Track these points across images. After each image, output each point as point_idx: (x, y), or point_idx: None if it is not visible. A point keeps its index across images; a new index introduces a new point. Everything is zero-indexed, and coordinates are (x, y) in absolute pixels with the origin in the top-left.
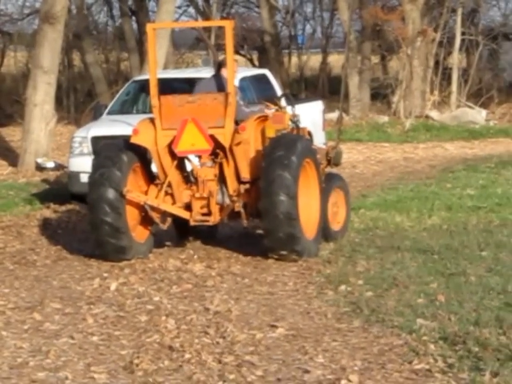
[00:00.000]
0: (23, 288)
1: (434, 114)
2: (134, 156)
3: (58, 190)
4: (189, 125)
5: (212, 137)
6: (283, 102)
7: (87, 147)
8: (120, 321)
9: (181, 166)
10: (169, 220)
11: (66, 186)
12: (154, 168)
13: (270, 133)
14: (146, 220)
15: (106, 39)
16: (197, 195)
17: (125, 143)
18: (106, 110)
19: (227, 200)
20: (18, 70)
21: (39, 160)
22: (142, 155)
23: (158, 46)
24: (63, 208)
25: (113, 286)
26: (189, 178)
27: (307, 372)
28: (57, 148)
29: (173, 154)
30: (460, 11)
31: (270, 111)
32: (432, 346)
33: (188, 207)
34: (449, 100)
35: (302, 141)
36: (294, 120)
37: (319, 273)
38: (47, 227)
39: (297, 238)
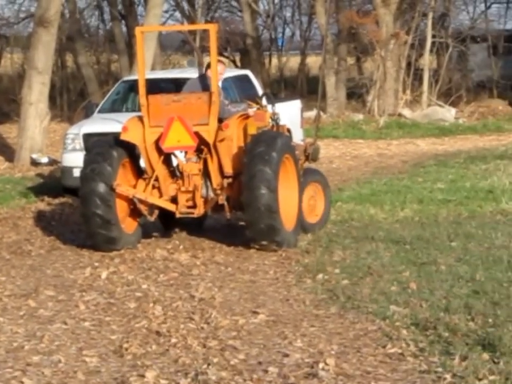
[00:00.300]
0: (19, 277)
1: (406, 112)
2: (123, 152)
3: (52, 184)
4: (175, 122)
5: (197, 134)
6: (264, 101)
7: (79, 143)
8: (111, 308)
9: (167, 161)
10: (156, 212)
11: (60, 180)
12: (142, 163)
13: (252, 130)
14: (134, 212)
15: (98, 41)
16: (183, 189)
17: (114, 140)
18: (98, 109)
19: (211, 194)
20: (15, 71)
21: (34, 156)
22: (131, 151)
23: (146, 48)
24: (57, 201)
25: (104, 275)
26: (174, 173)
27: (286, 355)
28: (51, 144)
29: (159, 150)
30: (430, 15)
31: (252, 109)
32: (404, 331)
33: (174, 200)
34: (421, 99)
35: (281, 138)
36: (274, 118)
37: (298, 262)
38: (41, 219)
39: (277, 230)
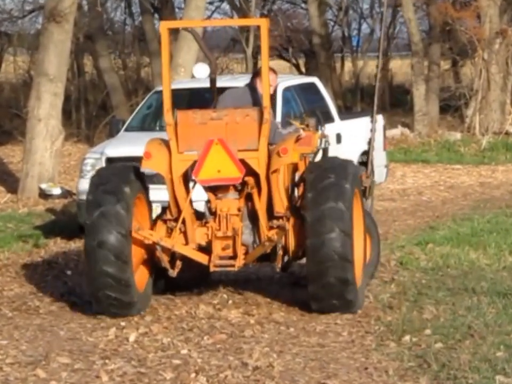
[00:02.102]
0: (24, 340)
1: None
2: (136, 186)
3: (66, 221)
4: (215, 147)
5: (243, 162)
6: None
7: None
8: (141, 379)
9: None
10: (179, 264)
11: (76, 217)
12: (155, 195)
13: (294, 158)
14: (148, 265)
15: (124, 40)
16: (219, 234)
17: (122, 169)
18: (124, 126)
19: (254, 240)
20: (18, 78)
21: (43, 186)
22: (142, 182)
23: (186, 49)
24: (72, 243)
25: (132, 337)
26: (202, 213)
27: None
28: (64, 172)
29: (188, 184)
30: None
31: (303, 131)
32: None
33: (203, 248)
34: None
35: (351, 166)
36: (324, 141)
37: (379, 320)
38: (52, 266)
39: (351, 285)
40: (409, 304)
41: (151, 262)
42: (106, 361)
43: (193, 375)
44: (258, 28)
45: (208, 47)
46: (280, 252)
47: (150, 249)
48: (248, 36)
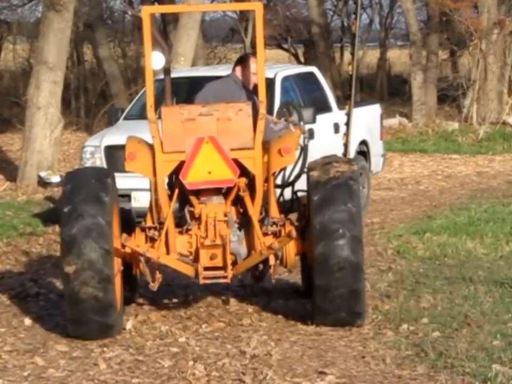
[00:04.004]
0: (22, 328)
1: None
2: (114, 190)
3: None
4: (205, 146)
5: (236, 162)
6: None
7: (100, 158)
8: (139, 367)
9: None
10: (159, 278)
11: None
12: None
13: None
14: (126, 278)
15: (124, 29)
16: (206, 242)
17: (96, 173)
18: (124, 115)
19: (240, 248)
20: (18, 66)
21: (43, 174)
22: (116, 187)
23: (186, 38)
24: None
25: (129, 325)
26: (182, 219)
27: None
28: (64, 160)
29: (172, 188)
30: None
31: (292, 127)
32: None
33: (186, 257)
34: None
35: (356, 159)
36: (303, 138)
37: (376, 309)
38: (51, 254)
39: (361, 297)
40: (406, 293)
41: (127, 276)
42: (104, 349)
43: (191, 363)
44: (253, 12)
45: (162, 36)
46: (278, 262)
47: (127, 262)
48: (247, 25)
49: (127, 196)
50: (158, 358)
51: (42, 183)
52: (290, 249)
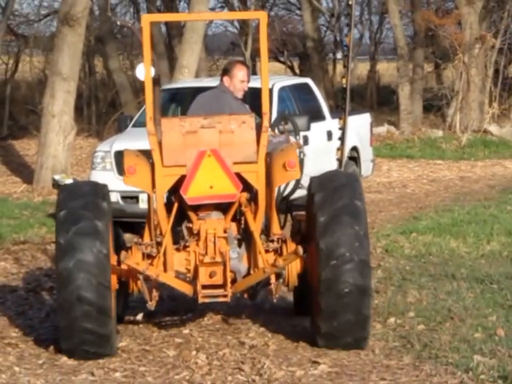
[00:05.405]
0: (38, 319)
1: (493, 128)
2: (109, 202)
3: None
4: (207, 159)
5: (239, 176)
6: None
7: (110, 163)
8: (146, 356)
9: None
10: (156, 295)
11: None
12: None
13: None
14: (120, 297)
15: (132, 43)
16: (206, 259)
17: (92, 184)
18: (132, 122)
19: (240, 265)
20: (34, 77)
21: (57, 177)
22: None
23: (189, 52)
24: None
25: (138, 317)
26: (179, 235)
27: None
28: (76, 164)
29: (170, 203)
30: None
31: (293, 140)
32: None
33: (183, 276)
34: (510, 112)
35: (358, 181)
36: (299, 152)
37: None
38: None
39: (368, 322)
40: (394, 288)
41: (118, 294)
42: None
43: (194, 352)
44: (257, 21)
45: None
46: (281, 280)
47: (124, 283)
48: (246, 39)
49: (135, 198)
50: (164, 348)
51: (57, 185)
52: (293, 268)
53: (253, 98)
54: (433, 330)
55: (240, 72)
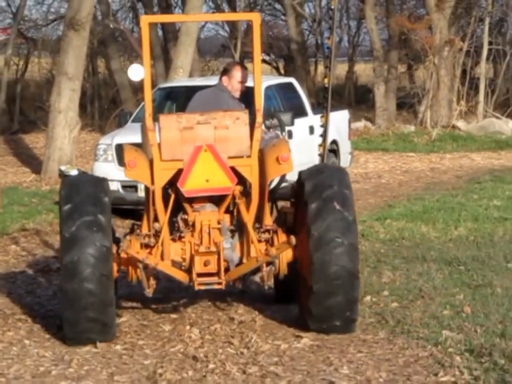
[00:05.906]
0: (46, 297)
1: (461, 124)
2: (109, 197)
3: None
4: (203, 154)
5: (233, 170)
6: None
7: (112, 154)
8: (144, 330)
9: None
10: (153, 283)
11: None
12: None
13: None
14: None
15: (132, 46)
16: (201, 249)
17: (91, 177)
18: (131, 118)
19: (234, 255)
20: (42, 77)
21: (63, 168)
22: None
23: (184, 54)
24: None
25: (149, 293)
26: (175, 226)
27: (332, 383)
28: (81, 156)
29: (168, 196)
30: (487, 20)
31: (282, 136)
32: (458, 358)
33: (179, 265)
34: (476, 109)
35: (346, 173)
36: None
37: None
38: None
39: (356, 304)
40: (369, 270)
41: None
42: None
43: (188, 327)
44: (250, 22)
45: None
46: (273, 268)
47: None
48: (236, 42)
49: (134, 187)
50: (160, 323)
51: (63, 175)
52: (284, 257)
53: (245, 96)
54: (406, 307)
55: (238, 73)
